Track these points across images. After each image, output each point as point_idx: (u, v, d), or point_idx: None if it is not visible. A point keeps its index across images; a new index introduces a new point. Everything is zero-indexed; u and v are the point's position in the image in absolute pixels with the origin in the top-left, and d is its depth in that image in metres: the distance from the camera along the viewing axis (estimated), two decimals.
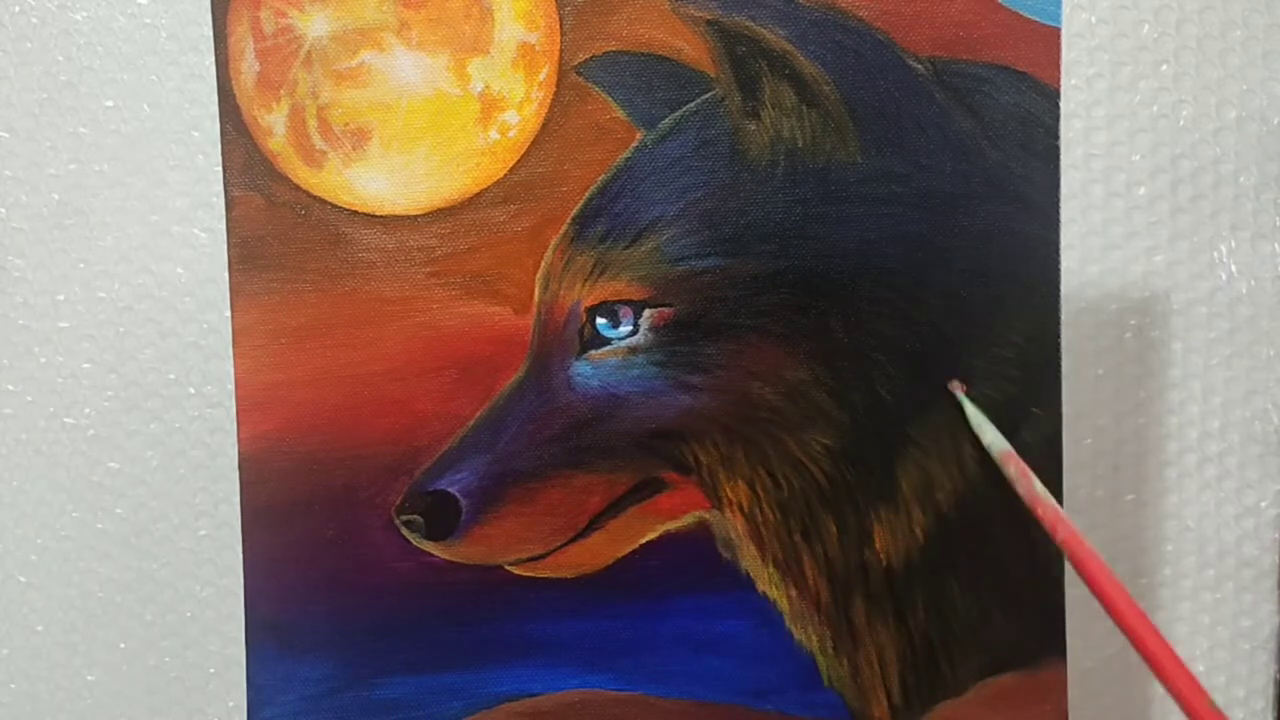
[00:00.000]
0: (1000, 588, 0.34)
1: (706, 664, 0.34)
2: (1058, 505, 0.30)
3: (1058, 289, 0.34)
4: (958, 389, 0.33)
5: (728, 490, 0.34)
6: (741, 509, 0.34)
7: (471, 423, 0.33)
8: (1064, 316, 0.34)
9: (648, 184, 0.33)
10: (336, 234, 0.33)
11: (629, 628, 0.34)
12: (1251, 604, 0.36)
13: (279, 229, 0.33)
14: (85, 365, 0.35)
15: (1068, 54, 0.34)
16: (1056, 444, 0.34)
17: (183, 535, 0.35)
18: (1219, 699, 0.36)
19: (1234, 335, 0.35)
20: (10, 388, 0.35)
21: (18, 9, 0.34)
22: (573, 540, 0.34)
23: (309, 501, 0.34)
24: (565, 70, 0.33)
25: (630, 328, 0.33)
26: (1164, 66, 0.34)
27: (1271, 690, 0.36)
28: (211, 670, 0.36)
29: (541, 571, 0.34)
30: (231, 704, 0.36)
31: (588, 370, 0.33)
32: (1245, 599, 0.36)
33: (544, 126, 0.33)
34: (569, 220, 0.33)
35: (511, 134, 0.33)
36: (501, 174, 0.33)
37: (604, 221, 0.33)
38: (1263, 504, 0.36)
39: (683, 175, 0.33)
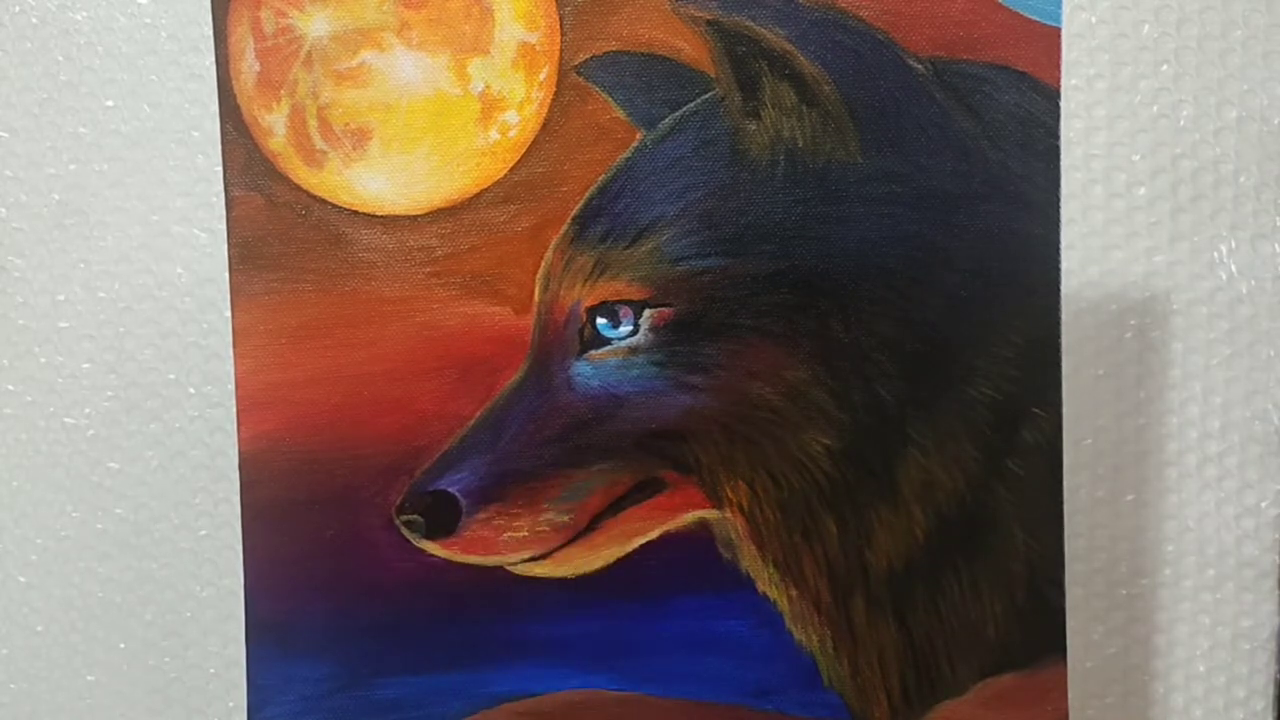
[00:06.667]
0: (1000, 588, 0.34)
1: (706, 664, 0.34)
2: None
3: (1058, 289, 0.34)
4: None
5: (728, 490, 0.34)
6: (742, 509, 0.34)
7: (471, 423, 0.33)
8: (1064, 316, 0.34)
9: (648, 184, 0.33)
10: (336, 234, 0.33)
11: (629, 628, 0.34)
12: (1251, 604, 0.36)
13: (279, 229, 0.33)
14: (85, 365, 0.35)
15: (1068, 54, 0.34)
16: (1056, 444, 0.34)
17: (183, 535, 0.35)
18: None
19: (1234, 335, 0.35)
20: (10, 388, 0.35)
21: (18, 9, 0.34)
22: (573, 540, 0.34)
23: (309, 501, 0.34)
24: (565, 70, 0.33)
25: (630, 328, 0.33)
26: (1164, 66, 0.34)
27: (1271, 690, 0.36)
28: (211, 670, 0.36)
29: (541, 571, 0.34)
30: (231, 704, 0.36)
31: (588, 370, 0.33)
32: (1245, 599, 0.36)
33: (544, 126, 0.33)
34: (569, 220, 0.33)
35: (512, 134, 0.33)
36: (502, 174, 0.33)
37: (604, 221, 0.33)
38: (1263, 504, 0.36)
39: (683, 175, 0.33)
